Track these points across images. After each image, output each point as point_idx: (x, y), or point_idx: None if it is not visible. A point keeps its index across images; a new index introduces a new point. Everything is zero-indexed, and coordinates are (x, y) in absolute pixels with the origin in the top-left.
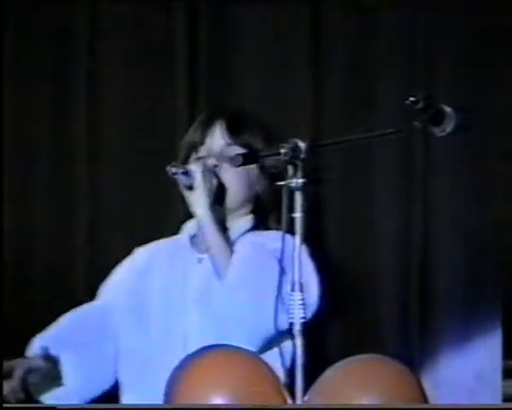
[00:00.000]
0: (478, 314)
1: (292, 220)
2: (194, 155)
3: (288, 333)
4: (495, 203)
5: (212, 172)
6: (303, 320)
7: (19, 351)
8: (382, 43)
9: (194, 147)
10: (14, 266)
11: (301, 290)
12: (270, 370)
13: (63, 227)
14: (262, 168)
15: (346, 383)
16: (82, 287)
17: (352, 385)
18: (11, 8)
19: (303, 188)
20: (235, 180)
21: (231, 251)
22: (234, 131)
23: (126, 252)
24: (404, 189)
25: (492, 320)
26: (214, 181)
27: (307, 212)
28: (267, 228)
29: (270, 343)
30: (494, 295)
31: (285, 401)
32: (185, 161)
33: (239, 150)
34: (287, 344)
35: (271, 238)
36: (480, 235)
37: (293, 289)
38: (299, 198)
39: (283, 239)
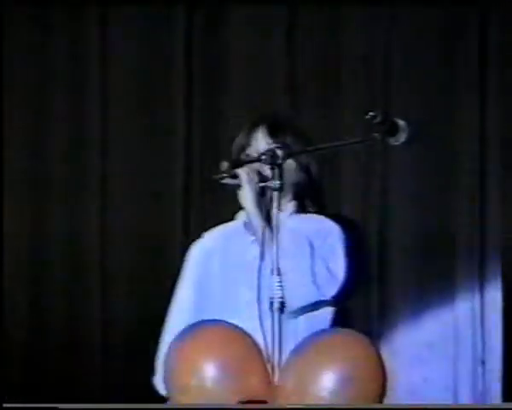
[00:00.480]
0: (429, 291)
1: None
2: (243, 154)
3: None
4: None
5: (255, 172)
6: (280, 300)
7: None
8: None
9: (243, 148)
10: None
11: (279, 274)
12: (254, 342)
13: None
14: (299, 164)
15: (314, 354)
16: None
17: (319, 356)
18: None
19: (280, 188)
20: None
21: (274, 238)
22: (273, 134)
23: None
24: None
25: (442, 296)
26: (257, 178)
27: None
28: (305, 211)
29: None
30: (443, 272)
31: (266, 368)
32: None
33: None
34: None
35: (307, 222)
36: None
37: (272, 273)
38: (276, 196)
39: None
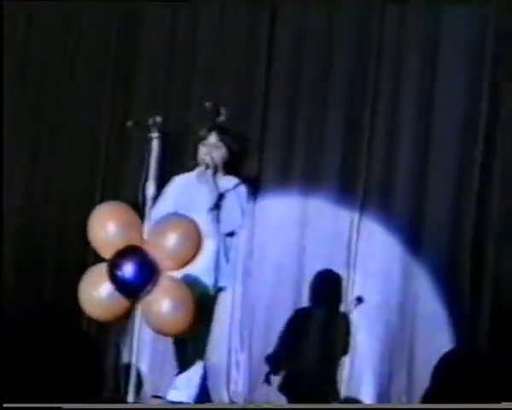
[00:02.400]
0: None
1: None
2: (201, 144)
3: None
4: None
5: (210, 156)
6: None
7: None
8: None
9: (202, 139)
10: None
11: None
12: (135, 214)
13: None
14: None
15: (165, 223)
16: None
17: (168, 225)
18: None
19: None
20: (217, 156)
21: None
22: (220, 135)
23: None
24: None
25: None
26: (210, 159)
27: None
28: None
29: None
30: None
31: (141, 229)
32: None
33: (220, 144)
34: None
35: (229, 181)
36: None
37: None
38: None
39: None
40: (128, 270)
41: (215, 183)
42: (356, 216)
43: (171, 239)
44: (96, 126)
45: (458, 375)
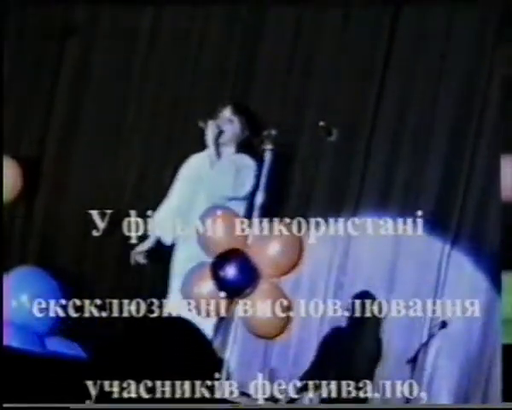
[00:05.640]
0: None
1: None
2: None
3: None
4: None
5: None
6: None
7: None
8: None
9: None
10: None
11: None
12: (242, 220)
13: None
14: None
15: (271, 234)
16: None
17: (273, 236)
18: None
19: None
20: (228, 130)
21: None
22: (235, 110)
23: None
24: None
25: None
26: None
27: None
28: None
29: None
30: None
31: (246, 235)
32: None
33: (234, 119)
34: None
35: (239, 158)
36: None
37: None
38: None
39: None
40: (230, 271)
41: (217, 153)
42: (447, 246)
43: (274, 247)
44: None
45: None
